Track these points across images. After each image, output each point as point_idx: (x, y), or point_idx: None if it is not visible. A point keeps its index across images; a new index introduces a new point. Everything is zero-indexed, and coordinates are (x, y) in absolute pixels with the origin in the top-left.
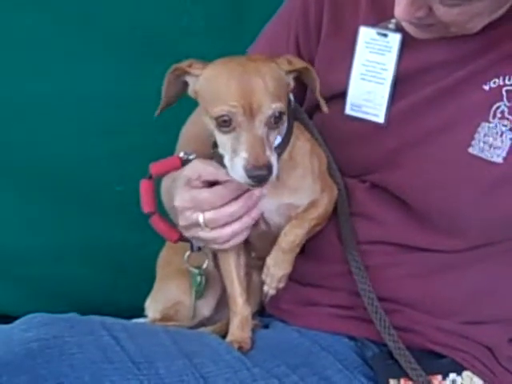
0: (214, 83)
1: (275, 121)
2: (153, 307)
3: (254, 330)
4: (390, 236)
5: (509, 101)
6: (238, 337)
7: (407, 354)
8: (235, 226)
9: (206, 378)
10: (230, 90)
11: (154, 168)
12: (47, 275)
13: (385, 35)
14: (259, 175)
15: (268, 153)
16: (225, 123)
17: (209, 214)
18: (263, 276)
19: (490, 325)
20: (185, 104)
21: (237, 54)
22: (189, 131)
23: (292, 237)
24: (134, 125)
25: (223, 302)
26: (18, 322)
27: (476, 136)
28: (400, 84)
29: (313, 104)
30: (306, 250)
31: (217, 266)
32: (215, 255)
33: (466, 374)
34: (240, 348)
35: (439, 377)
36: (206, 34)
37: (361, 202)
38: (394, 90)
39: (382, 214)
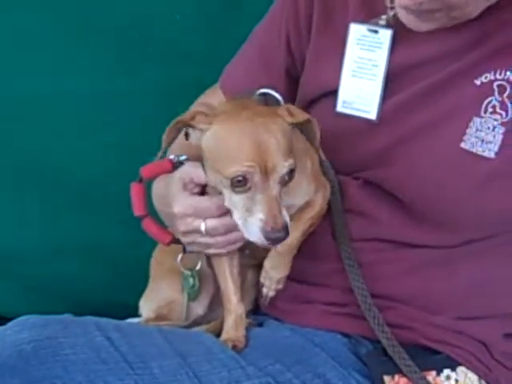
0: (225, 142)
1: (288, 178)
2: (147, 306)
3: (248, 329)
4: (383, 233)
5: (500, 95)
6: (232, 335)
7: (401, 351)
8: (236, 233)
9: (200, 377)
10: (244, 149)
11: (145, 171)
12: (41, 274)
13: (375, 31)
14: (278, 237)
15: (284, 213)
16: (239, 183)
17: (210, 223)
18: (262, 279)
19: (484, 320)
20: (181, 102)
21: (231, 49)
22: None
23: (288, 240)
24: (129, 122)
25: (217, 301)
26: (10, 323)
27: (468, 131)
28: (391, 80)
29: (304, 102)
30: (301, 248)
31: (210, 265)
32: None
33: (460, 369)
34: (234, 347)
35: (433, 373)
36: (200, 30)
37: (354, 199)
38: (386, 87)
39: (376, 210)
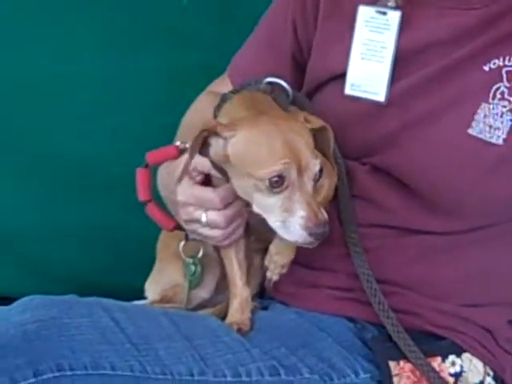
0: (255, 145)
1: (319, 176)
2: (152, 289)
3: (253, 312)
4: (389, 219)
5: (509, 82)
6: (237, 319)
7: (406, 337)
8: (234, 224)
9: (206, 360)
10: (277, 149)
11: (151, 157)
12: (46, 257)
13: (384, 13)
14: (322, 233)
15: (322, 209)
16: (277, 183)
17: (211, 215)
18: (266, 262)
19: (490, 307)
20: (186, 86)
21: (237, 34)
22: (189, 120)
23: None
24: (134, 106)
25: (223, 285)
26: (15, 304)
27: (476, 117)
28: (400, 64)
29: (312, 87)
30: None
31: (216, 248)
32: None
33: (465, 355)
34: (239, 330)
35: (439, 359)
36: (207, 15)
37: (361, 184)
38: (394, 70)
39: (382, 196)
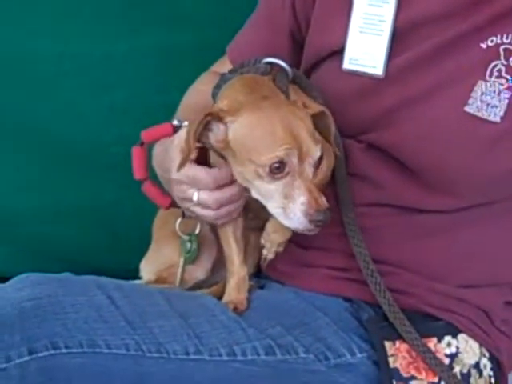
0: (257, 130)
1: (319, 162)
2: (147, 269)
3: (250, 291)
4: (385, 197)
5: (506, 59)
6: (234, 298)
7: (402, 318)
8: (228, 208)
9: (201, 338)
10: (278, 135)
11: (146, 135)
12: (42, 236)
13: None
14: (323, 219)
15: (322, 195)
16: (278, 169)
17: (203, 195)
18: (262, 241)
19: (486, 288)
20: (182, 65)
21: (234, 12)
22: (189, 100)
23: None
24: (130, 85)
25: (219, 265)
26: (11, 281)
27: (473, 94)
28: (398, 38)
29: (310, 64)
30: None
31: (213, 228)
32: None
33: (461, 336)
34: (235, 309)
35: (434, 339)
36: None
37: (357, 162)
38: (393, 45)
39: (378, 175)
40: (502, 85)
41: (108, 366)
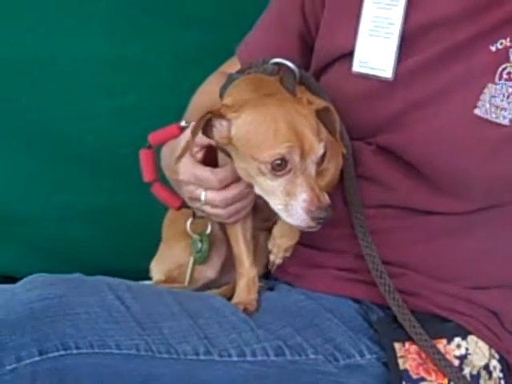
0: (259, 127)
1: (322, 159)
2: (158, 269)
3: (259, 292)
4: (395, 199)
5: None
6: (243, 299)
7: (412, 319)
8: (238, 205)
9: (210, 339)
10: (281, 132)
11: (153, 138)
12: (52, 237)
13: None
14: (324, 217)
15: (325, 193)
16: (279, 166)
17: (210, 194)
18: (270, 246)
19: (495, 289)
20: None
21: (246, 14)
22: (197, 101)
23: None
24: (142, 87)
25: (229, 266)
26: (21, 282)
27: (482, 97)
28: (408, 41)
29: (319, 67)
30: None
31: (222, 228)
32: None
33: (470, 338)
34: (245, 310)
35: (444, 341)
36: None
37: (367, 164)
38: (402, 48)
39: (388, 177)
40: (511, 87)
41: (118, 367)
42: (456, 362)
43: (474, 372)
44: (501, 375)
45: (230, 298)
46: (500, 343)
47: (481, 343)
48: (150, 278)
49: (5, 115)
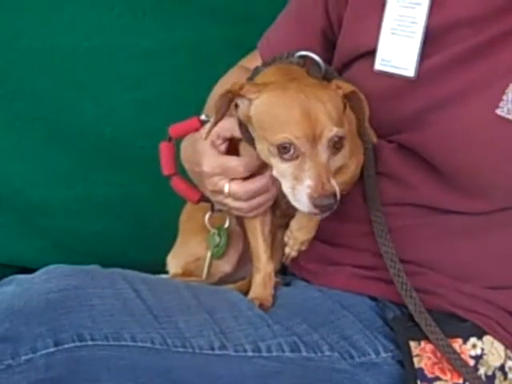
0: (274, 110)
1: (337, 146)
2: (174, 262)
3: (275, 288)
4: (415, 198)
5: None
6: (259, 294)
7: (428, 318)
8: (259, 199)
9: (226, 334)
10: (293, 117)
11: (174, 130)
12: (70, 229)
13: None
14: (327, 205)
15: (333, 181)
16: (286, 151)
17: (234, 186)
18: (286, 238)
19: None
20: (214, 61)
21: (267, 9)
22: (217, 93)
23: None
24: (161, 80)
25: (245, 260)
26: (38, 272)
27: (504, 97)
28: (430, 40)
29: (341, 64)
30: None
31: (240, 223)
32: None
33: (486, 338)
34: (261, 305)
35: (460, 340)
36: None
37: (387, 162)
38: (424, 47)
39: (408, 175)
40: None
41: (133, 360)
42: (471, 362)
43: (490, 372)
44: None
45: (246, 293)
46: None
47: (496, 344)
48: (166, 272)
49: (24, 107)
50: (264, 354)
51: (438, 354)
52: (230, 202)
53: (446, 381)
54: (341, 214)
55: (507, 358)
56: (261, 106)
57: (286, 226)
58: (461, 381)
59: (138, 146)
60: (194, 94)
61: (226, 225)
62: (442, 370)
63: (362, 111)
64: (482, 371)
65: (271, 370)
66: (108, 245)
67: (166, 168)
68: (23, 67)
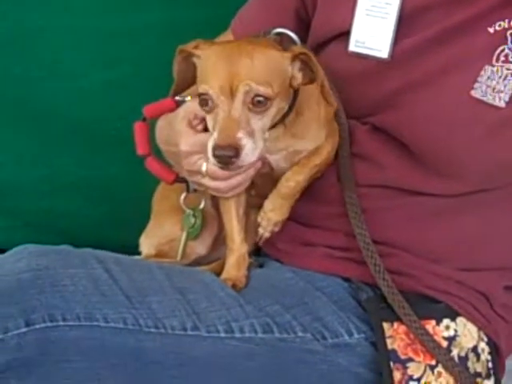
0: (206, 63)
1: (258, 105)
2: (147, 243)
3: (249, 269)
4: (388, 179)
5: None
6: (232, 275)
7: (401, 300)
8: (238, 178)
9: (199, 314)
10: (215, 70)
11: (148, 110)
12: (42, 209)
13: None
14: (223, 155)
15: (240, 135)
16: (204, 102)
17: (211, 166)
18: (259, 219)
19: (486, 272)
20: (184, 41)
21: None
22: None
23: (293, 183)
24: (132, 60)
25: (219, 242)
26: (9, 252)
27: (479, 79)
28: (405, 22)
29: (315, 45)
30: (305, 190)
31: (215, 204)
32: None
33: (459, 319)
34: (234, 286)
35: (433, 322)
36: None
37: (361, 144)
38: (399, 28)
39: (382, 156)
40: (508, 69)
41: (105, 340)
42: (444, 344)
43: (462, 354)
44: (489, 358)
45: (219, 274)
46: (489, 326)
47: (470, 325)
48: (139, 253)
49: None
50: (237, 334)
51: (411, 336)
52: (207, 181)
53: (418, 362)
54: (315, 194)
55: (480, 339)
56: (200, 61)
57: (260, 206)
58: (433, 362)
59: (111, 126)
60: (166, 74)
61: (202, 205)
62: (415, 352)
63: (316, 74)
64: (454, 352)
65: (244, 350)
66: (81, 226)
67: (141, 148)
68: None
